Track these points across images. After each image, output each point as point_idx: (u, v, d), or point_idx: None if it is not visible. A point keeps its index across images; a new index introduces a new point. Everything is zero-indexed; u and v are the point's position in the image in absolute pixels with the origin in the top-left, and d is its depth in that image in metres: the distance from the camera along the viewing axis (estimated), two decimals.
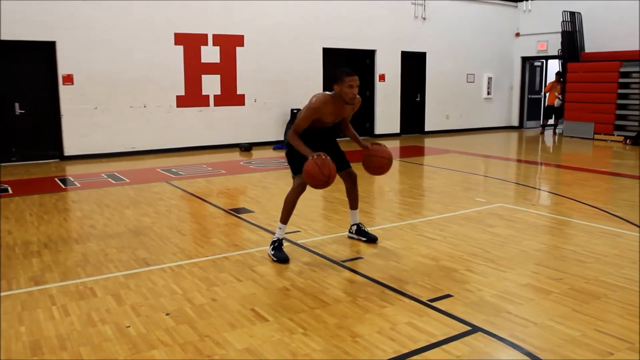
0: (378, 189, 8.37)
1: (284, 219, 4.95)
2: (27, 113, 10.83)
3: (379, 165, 5.09)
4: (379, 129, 15.20)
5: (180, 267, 4.69)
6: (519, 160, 11.70)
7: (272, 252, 4.87)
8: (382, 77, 15.08)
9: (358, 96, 4.97)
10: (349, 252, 5.09)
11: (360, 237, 5.40)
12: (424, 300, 3.91)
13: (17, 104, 10.76)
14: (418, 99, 16.08)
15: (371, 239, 5.34)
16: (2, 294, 4.16)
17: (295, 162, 4.91)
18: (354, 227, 5.45)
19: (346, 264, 4.73)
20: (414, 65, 15.73)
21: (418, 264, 4.70)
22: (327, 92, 4.93)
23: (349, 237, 5.49)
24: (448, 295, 3.99)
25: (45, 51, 10.77)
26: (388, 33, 14.90)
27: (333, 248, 5.19)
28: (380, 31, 14.76)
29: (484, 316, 3.63)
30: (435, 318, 3.62)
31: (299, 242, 5.36)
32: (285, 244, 5.06)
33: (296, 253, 5.03)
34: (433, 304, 3.84)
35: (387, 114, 15.32)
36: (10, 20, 10.26)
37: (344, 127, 5.21)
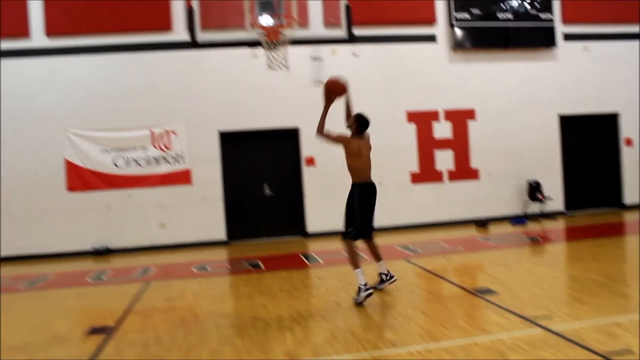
0: (636, 268, 7.45)
1: (356, 264, 6.21)
2: (275, 193, 11.82)
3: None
4: (628, 198, 13.78)
5: (428, 350, 4.55)
6: None
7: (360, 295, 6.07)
8: (628, 142, 13.79)
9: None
10: (613, 343, 4.48)
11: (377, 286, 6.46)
12: None
13: (266, 185, 11.82)
14: None
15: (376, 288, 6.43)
16: None
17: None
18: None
19: (615, 358, 4.17)
20: None
21: None
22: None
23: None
24: None
25: (290, 137, 11.75)
26: (634, 93, 13.67)
27: (594, 337, 4.64)
28: (625, 92, 13.60)
29: None
30: None
31: (552, 328, 4.91)
32: (536, 329, 4.69)
33: (552, 342, 4.59)
34: None
35: (637, 182, 13.84)
36: (262, 113, 11.61)
37: None
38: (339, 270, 8.21)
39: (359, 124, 6.63)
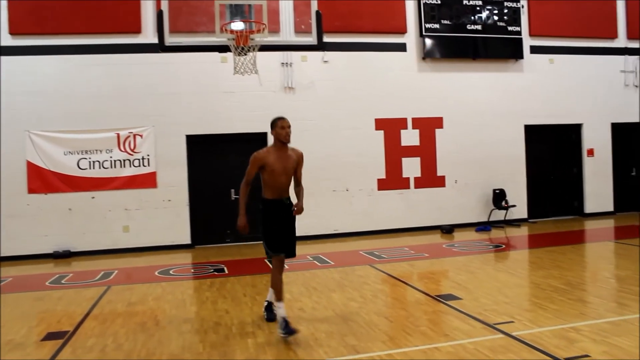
0: (594, 275, 7.60)
1: (279, 298, 5.43)
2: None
3: None
4: (589, 207, 14.05)
5: (390, 356, 4.56)
6: None
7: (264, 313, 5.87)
8: (590, 152, 14.08)
9: (300, 151, 5.80)
10: (571, 348, 4.57)
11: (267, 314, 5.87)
12: None
13: (232, 191, 11.72)
14: (634, 174, 14.68)
15: (270, 319, 5.75)
16: None
17: (266, 243, 5.78)
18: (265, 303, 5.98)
19: None
20: (626, 138, 14.48)
21: None
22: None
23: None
24: None
25: (258, 141, 11.59)
26: (596, 105, 13.97)
27: (553, 343, 4.72)
28: (587, 104, 13.89)
29: None
30: None
31: (513, 334, 4.96)
32: (497, 335, 4.75)
33: (513, 347, 4.64)
34: None
35: (597, 191, 14.14)
36: (230, 117, 11.63)
37: (296, 184, 5.81)
38: (304, 275, 8.19)
39: None
